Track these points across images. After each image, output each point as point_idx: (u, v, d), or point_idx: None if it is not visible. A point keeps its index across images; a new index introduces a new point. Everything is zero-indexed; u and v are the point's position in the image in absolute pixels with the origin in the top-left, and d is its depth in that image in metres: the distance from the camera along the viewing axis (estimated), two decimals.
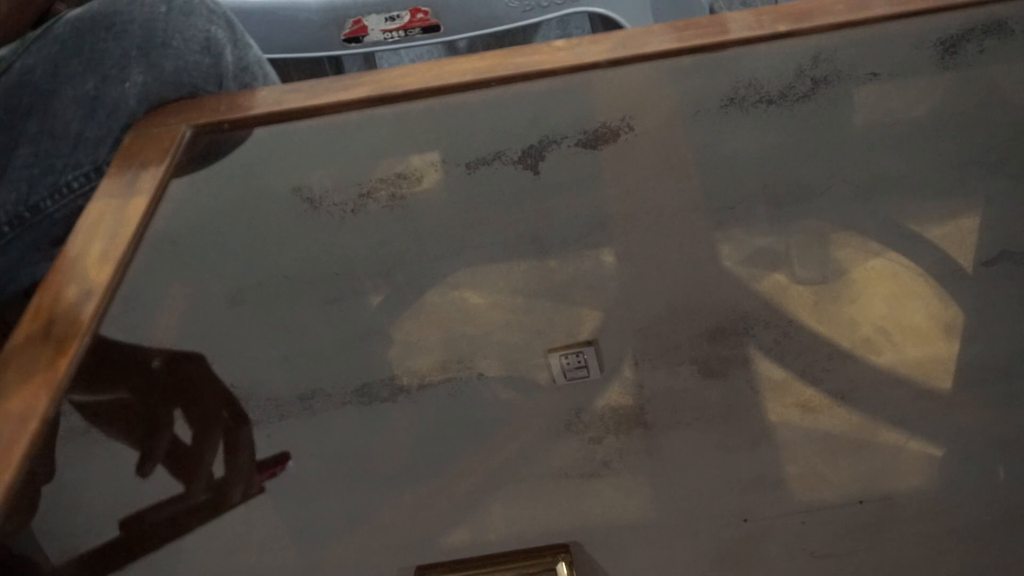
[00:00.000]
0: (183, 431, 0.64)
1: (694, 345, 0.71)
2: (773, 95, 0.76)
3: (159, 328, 0.74)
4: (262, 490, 0.64)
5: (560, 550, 0.60)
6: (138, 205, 0.71)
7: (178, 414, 0.66)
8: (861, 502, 0.61)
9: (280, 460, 0.65)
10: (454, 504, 0.67)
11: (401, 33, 1.27)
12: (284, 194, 0.80)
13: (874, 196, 0.76)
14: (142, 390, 0.68)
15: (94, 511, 0.67)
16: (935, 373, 0.67)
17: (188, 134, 0.77)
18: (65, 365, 0.59)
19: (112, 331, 0.65)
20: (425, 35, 1.28)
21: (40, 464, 0.55)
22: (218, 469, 0.63)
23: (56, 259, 0.67)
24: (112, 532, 0.62)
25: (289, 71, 1.33)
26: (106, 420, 0.67)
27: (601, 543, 0.61)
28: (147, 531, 0.61)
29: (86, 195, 0.76)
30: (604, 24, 1.34)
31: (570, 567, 0.59)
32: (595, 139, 0.78)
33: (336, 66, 1.49)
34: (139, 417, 0.66)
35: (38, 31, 0.80)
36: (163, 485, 0.65)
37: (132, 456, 0.66)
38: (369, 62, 1.60)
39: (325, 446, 0.70)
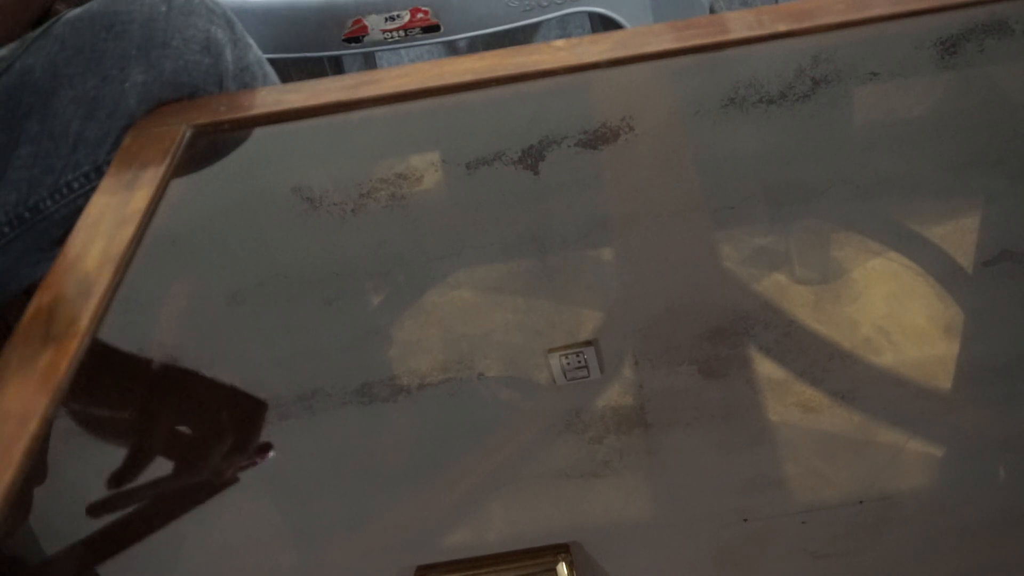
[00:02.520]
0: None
1: (694, 345, 0.71)
2: (773, 95, 0.76)
3: (159, 328, 0.74)
4: (236, 479, 0.64)
5: (560, 550, 0.60)
6: (138, 205, 0.71)
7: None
8: (861, 502, 0.61)
9: (262, 449, 0.65)
10: (454, 504, 0.67)
11: (401, 33, 1.27)
12: (284, 194, 0.80)
13: (874, 196, 0.76)
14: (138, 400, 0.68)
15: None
16: (935, 373, 0.67)
17: (188, 134, 0.77)
18: (65, 365, 0.59)
19: (112, 331, 0.65)
20: (425, 35, 1.28)
21: (34, 465, 0.55)
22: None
23: (56, 259, 0.67)
24: (110, 533, 0.63)
25: (289, 71, 1.33)
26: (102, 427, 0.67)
27: (601, 543, 0.61)
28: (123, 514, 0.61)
29: (86, 195, 0.76)
30: (604, 24, 1.34)
31: (570, 567, 0.59)
32: (595, 139, 0.78)
33: (336, 66, 1.49)
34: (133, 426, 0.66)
35: (38, 31, 0.80)
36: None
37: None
38: (369, 62, 1.60)
39: (325, 446, 0.70)
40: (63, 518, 0.65)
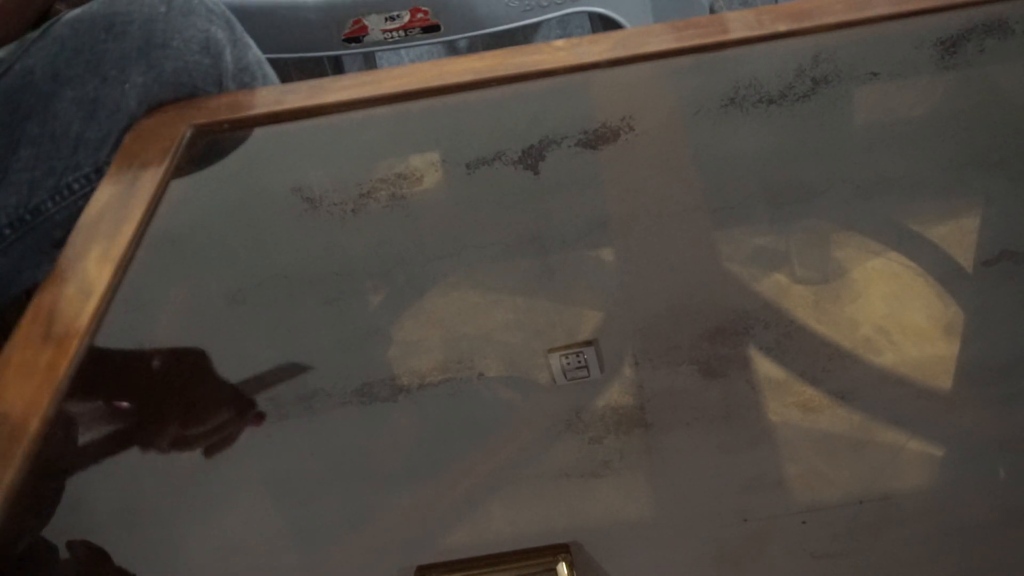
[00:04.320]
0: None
1: (694, 345, 0.71)
2: (773, 95, 0.76)
3: (159, 328, 0.74)
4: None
5: (560, 550, 0.60)
6: (138, 205, 0.71)
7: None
8: (861, 502, 0.61)
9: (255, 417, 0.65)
10: (454, 504, 0.67)
11: (401, 33, 1.27)
12: (284, 194, 0.80)
13: (874, 196, 0.76)
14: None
15: (96, 509, 0.67)
16: (935, 373, 0.67)
17: (188, 134, 0.77)
18: (65, 365, 0.59)
19: (112, 331, 0.65)
20: (425, 35, 1.28)
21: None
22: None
23: (57, 259, 0.67)
24: (116, 531, 0.63)
25: (289, 71, 1.33)
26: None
27: (601, 543, 0.61)
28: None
29: (87, 196, 0.76)
30: (604, 24, 1.34)
31: (570, 567, 0.59)
32: (595, 139, 0.78)
33: (336, 66, 1.49)
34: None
35: (37, 32, 0.80)
36: (163, 484, 0.65)
37: (131, 455, 0.66)
38: (369, 62, 1.60)
39: (325, 446, 0.70)
40: (64, 517, 0.65)
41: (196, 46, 0.79)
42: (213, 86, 0.80)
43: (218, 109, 0.79)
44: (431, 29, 1.27)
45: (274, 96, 0.81)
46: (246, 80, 0.83)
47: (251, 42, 0.85)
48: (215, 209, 0.81)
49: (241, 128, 0.79)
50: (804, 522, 0.61)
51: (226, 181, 0.81)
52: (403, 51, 1.74)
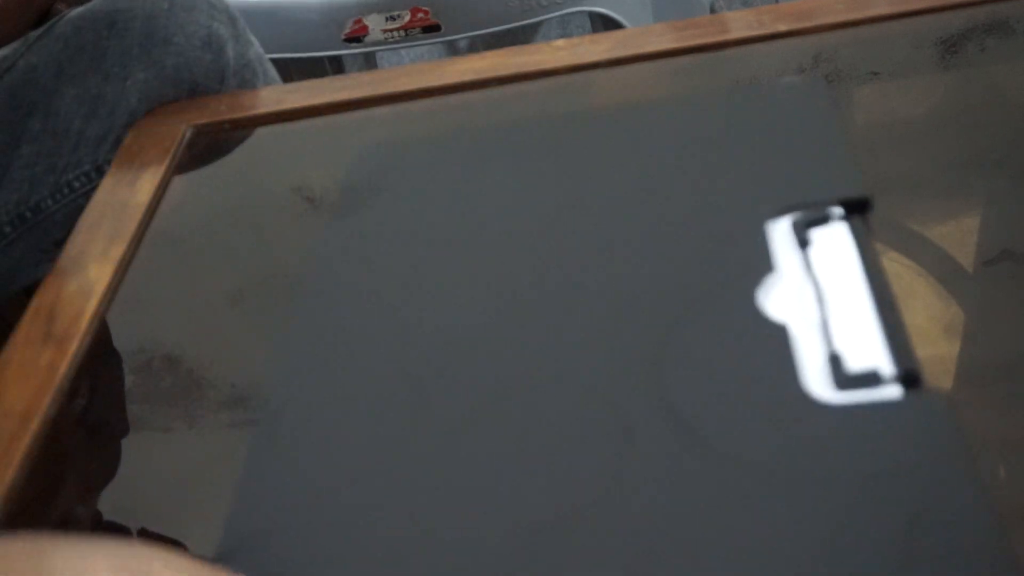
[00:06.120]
0: None
1: None
2: None
3: (159, 328, 0.74)
4: None
5: None
6: (138, 204, 0.71)
7: None
8: None
9: None
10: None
11: (401, 33, 1.27)
12: (284, 194, 0.80)
13: (874, 196, 0.76)
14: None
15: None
16: (935, 373, 0.67)
17: (189, 133, 0.77)
18: (65, 365, 0.60)
19: (112, 331, 0.65)
20: (425, 35, 1.28)
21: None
22: None
23: (56, 259, 0.67)
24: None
25: (289, 71, 1.33)
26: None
27: None
28: None
29: (87, 194, 0.77)
30: (604, 24, 1.34)
31: None
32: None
33: (336, 66, 1.49)
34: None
35: (40, 30, 0.80)
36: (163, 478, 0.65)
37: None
38: (369, 62, 1.60)
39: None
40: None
41: (198, 42, 0.79)
42: (215, 82, 0.80)
43: (219, 109, 0.79)
44: (431, 29, 1.28)
45: (275, 96, 0.81)
46: (247, 76, 0.83)
47: (253, 38, 0.85)
48: (215, 209, 0.81)
49: (242, 128, 0.79)
50: None
51: (226, 181, 0.81)
52: (403, 51, 1.75)
